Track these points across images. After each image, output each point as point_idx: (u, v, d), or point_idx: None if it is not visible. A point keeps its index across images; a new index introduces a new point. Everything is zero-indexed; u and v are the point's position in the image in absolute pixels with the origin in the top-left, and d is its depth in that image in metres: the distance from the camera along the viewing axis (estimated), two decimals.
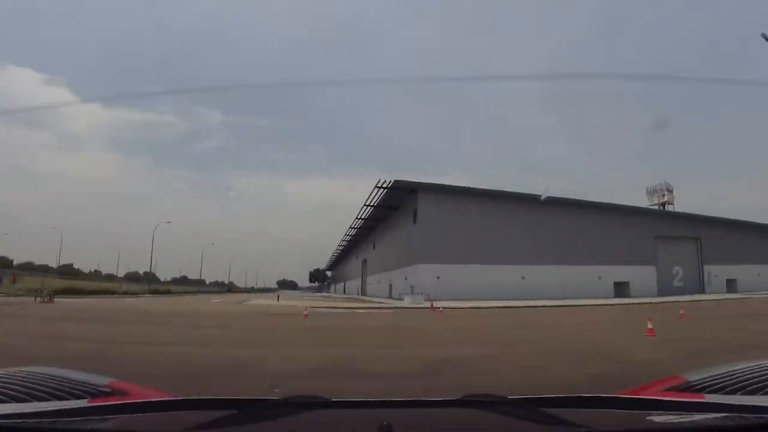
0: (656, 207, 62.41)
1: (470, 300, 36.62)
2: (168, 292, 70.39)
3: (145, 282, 74.10)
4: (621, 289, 49.10)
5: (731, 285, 56.69)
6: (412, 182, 44.11)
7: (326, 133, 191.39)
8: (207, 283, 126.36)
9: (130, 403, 1.52)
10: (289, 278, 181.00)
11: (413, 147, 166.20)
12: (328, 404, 1.47)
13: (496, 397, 1.47)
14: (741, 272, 57.49)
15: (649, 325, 11.47)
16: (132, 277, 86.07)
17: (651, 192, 71.86)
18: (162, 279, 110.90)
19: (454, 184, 45.69)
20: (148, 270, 79.80)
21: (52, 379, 1.68)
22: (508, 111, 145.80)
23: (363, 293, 74.55)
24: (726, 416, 1.23)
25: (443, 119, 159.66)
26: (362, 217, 57.15)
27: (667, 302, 33.68)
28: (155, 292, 66.71)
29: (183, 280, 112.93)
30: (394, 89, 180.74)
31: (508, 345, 10.98)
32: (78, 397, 1.56)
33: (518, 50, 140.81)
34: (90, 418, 1.34)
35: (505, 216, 45.86)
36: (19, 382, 1.61)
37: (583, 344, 10.82)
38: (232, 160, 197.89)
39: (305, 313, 19.30)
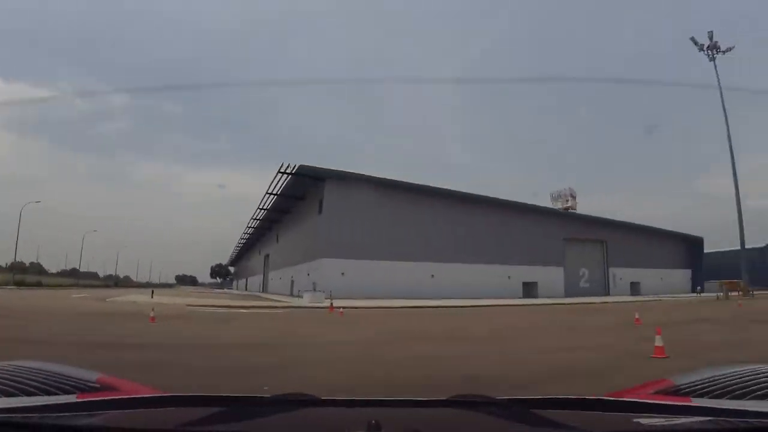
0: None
1: (377, 299, 33.49)
2: (39, 284, 62.46)
3: (34, 273, 65.99)
4: (529, 289, 48.12)
5: (635, 288, 57.83)
6: (318, 168, 39.86)
7: (238, 124, 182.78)
8: (101, 276, 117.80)
9: (119, 399, 1.51)
10: (189, 273, 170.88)
11: (328, 145, 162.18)
12: (317, 402, 1.49)
13: (485, 398, 1.47)
14: (644, 276, 58.85)
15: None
16: (17, 267, 74.90)
17: (555, 198, 73.58)
18: (52, 270, 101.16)
19: (364, 173, 42.07)
20: (35, 260, 70.50)
21: (40, 373, 1.65)
22: (425, 115, 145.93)
23: (264, 290, 69.55)
24: (712, 420, 1.23)
25: (362, 120, 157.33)
26: (265, 207, 51.92)
27: (577, 303, 32.64)
28: (20, 284, 59.08)
29: (72, 273, 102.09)
30: (314, 88, 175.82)
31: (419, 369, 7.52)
32: (66, 392, 1.54)
33: (438, 54, 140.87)
34: (78, 413, 1.32)
35: (416, 211, 43.00)
36: (6, 376, 1.59)
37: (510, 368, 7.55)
38: (137, 146, 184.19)
39: (152, 315, 14.69)
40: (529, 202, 51.50)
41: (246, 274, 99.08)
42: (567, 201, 72.68)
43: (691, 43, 51.37)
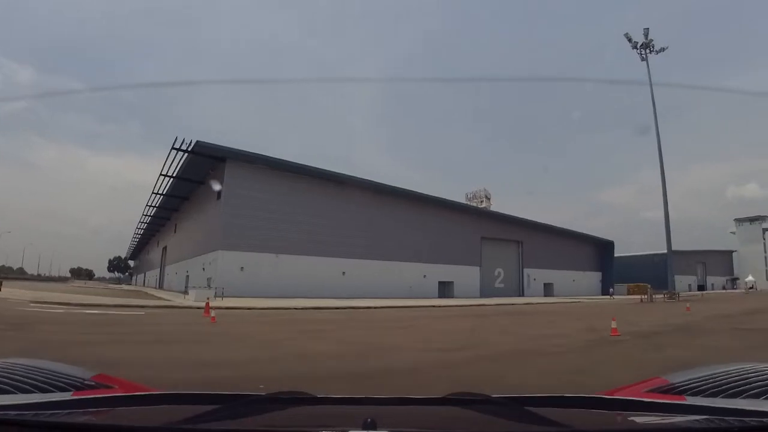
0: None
1: (280, 297, 29.72)
2: None
3: None
4: (445, 288, 46.03)
5: (548, 289, 57.56)
6: (217, 146, 34.53)
7: (147, 109, 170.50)
8: None
9: (115, 396, 1.53)
10: (86, 266, 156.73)
11: (243, 140, 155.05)
12: (313, 400, 1.48)
13: (480, 396, 1.46)
14: (557, 277, 58.73)
15: None
16: None
17: (470, 198, 73.39)
18: None
19: (272, 156, 37.28)
20: None
21: (35, 371, 1.64)
22: (345, 117, 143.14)
23: (161, 285, 62.93)
24: (707, 419, 1.23)
25: (277, 116, 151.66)
26: (161, 192, 45.19)
27: (503, 304, 30.56)
28: None
29: None
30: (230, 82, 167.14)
31: None
32: (62, 390, 1.53)
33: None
34: (74, 411, 1.32)
35: (327, 201, 39.06)
36: (1, 373, 1.57)
37: None
38: (36, 126, 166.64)
39: None
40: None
41: (145, 268, 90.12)
42: (482, 202, 72.39)
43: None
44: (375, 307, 24.34)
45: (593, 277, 65.49)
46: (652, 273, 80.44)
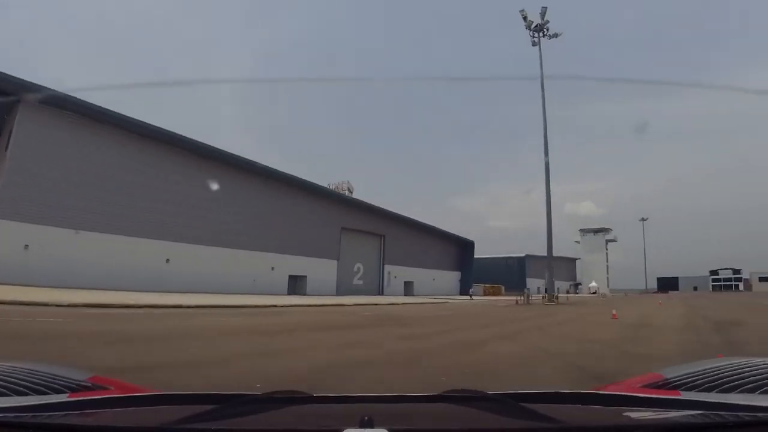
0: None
1: (77, 289, 22.66)
2: None
3: None
4: (296, 283, 40.87)
5: (408, 287, 55.01)
6: (11, 77, 24.29)
7: None
8: None
9: (111, 397, 1.52)
10: None
11: None
12: (310, 399, 1.49)
13: (477, 393, 1.47)
14: (418, 275, 56.31)
15: None
16: None
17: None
18: None
19: (87, 101, 27.49)
20: None
21: (31, 373, 1.64)
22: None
23: None
24: (703, 414, 1.23)
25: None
26: None
27: (370, 304, 25.55)
28: None
29: None
30: None
31: None
32: (58, 392, 1.53)
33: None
34: (70, 413, 1.32)
35: (161, 169, 31.40)
36: None
37: None
38: None
39: None
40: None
41: None
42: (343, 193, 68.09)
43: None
44: (189, 307, 18.04)
45: (452, 277, 64.69)
46: (506, 275, 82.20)
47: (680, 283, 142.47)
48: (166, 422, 1.18)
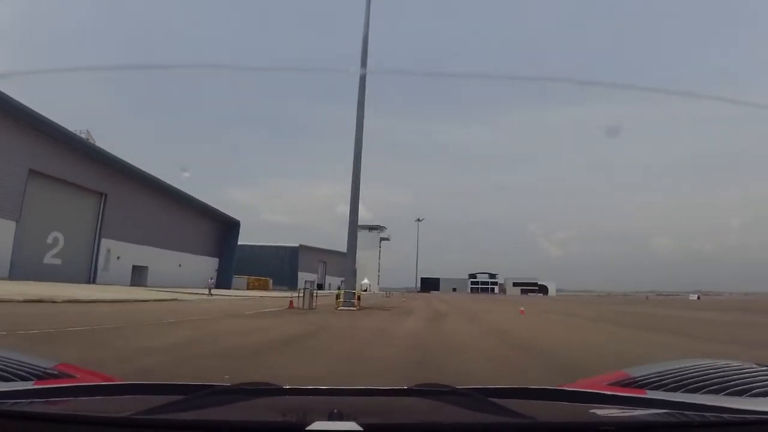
0: None
1: None
2: None
3: None
4: None
5: (139, 274, 39.50)
6: None
7: None
8: None
9: (78, 386, 1.51)
10: None
11: None
12: (279, 391, 1.47)
13: (446, 387, 1.47)
14: (156, 259, 40.97)
15: None
16: None
17: None
18: None
19: None
20: None
21: None
22: None
23: None
24: (668, 412, 1.25)
25: None
26: None
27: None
28: None
29: None
30: None
31: None
32: (23, 379, 1.49)
33: None
34: (35, 400, 1.29)
35: None
36: None
37: None
38: None
39: None
40: None
41: None
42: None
43: None
44: None
45: (208, 264, 50.46)
46: (277, 267, 70.36)
47: (441, 284, 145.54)
48: (134, 412, 1.13)
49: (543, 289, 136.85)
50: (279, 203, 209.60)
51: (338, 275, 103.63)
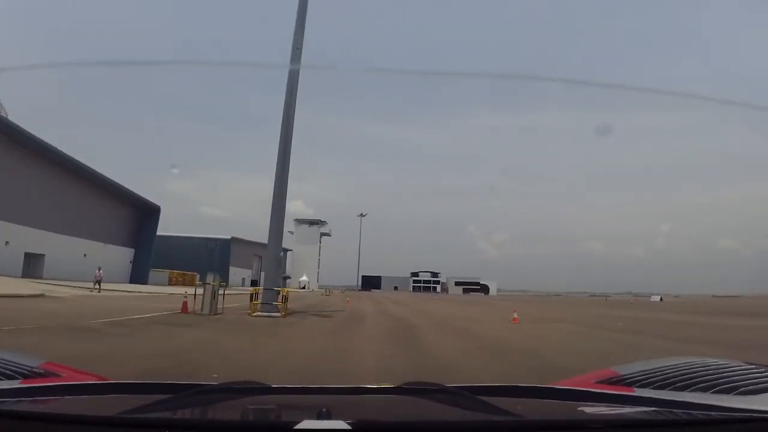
0: None
1: None
2: None
3: None
4: None
5: (35, 263, 34.23)
6: None
7: None
8: None
9: (64, 385, 1.50)
10: None
11: None
12: (268, 390, 1.46)
13: (434, 385, 1.46)
14: (55, 245, 35.63)
15: None
16: None
17: None
18: None
19: None
20: None
21: None
22: None
23: None
24: (655, 410, 1.26)
25: None
26: None
27: None
28: None
29: None
30: None
31: None
32: (9, 378, 1.49)
33: None
34: (22, 399, 1.29)
35: None
36: None
37: None
38: None
39: None
40: None
41: None
42: None
43: None
44: None
45: (121, 255, 44.92)
46: (206, 261, 65.30)
47: (383, 282, 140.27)
48: (121, 411, 1.11)
49: (484, 289, 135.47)
50: (216, 196, 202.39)
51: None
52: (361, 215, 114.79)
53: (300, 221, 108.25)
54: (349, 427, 1.00)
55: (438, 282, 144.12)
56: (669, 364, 1.71)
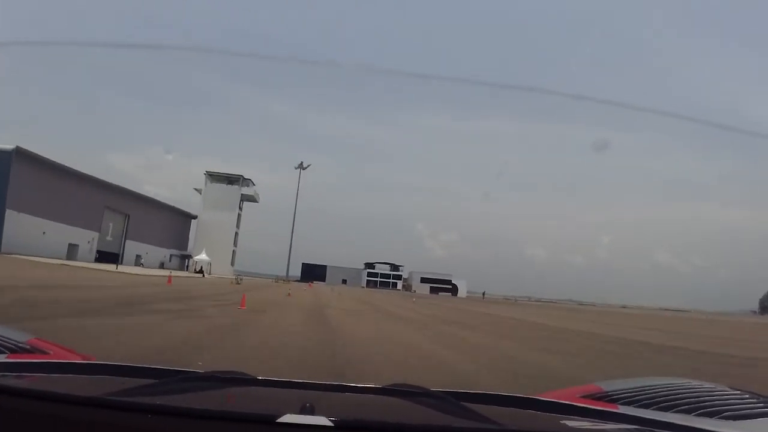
0: None
1: None
2: None
3: None
4: None
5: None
6: None
7: None
8: None
9: (50, 362, 1.49)
10: None
11: None
12: (252, 381, 1.46)
13: (419, 389, 1.45)
14: None
15: None
16: None
17: None
18: None
19: None
20: None
21: None
22: None
23: None
24: (638, 429, 1.26)
25: None
26: None
27: None
28: None
29: None
30: None
31: None
32: None
33: None
34: (6, 374, 1.28)
35: None
36: None
37: None
38: None
39: None
40: None
41: None
42: None
43: None
44: None
45: None
46: None
47: (328, 273, 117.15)
48: (106, 393, 1.11)
49: (453, 289, 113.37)
50: (160, 175, 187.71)
51: (168, 245, 70.75)
52: (301, 166, 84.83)
53: (213, 175, 78.65)
54: (331, 424, 1.00)
55: (399, 277, 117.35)
56: (655, 383, 1.70)
